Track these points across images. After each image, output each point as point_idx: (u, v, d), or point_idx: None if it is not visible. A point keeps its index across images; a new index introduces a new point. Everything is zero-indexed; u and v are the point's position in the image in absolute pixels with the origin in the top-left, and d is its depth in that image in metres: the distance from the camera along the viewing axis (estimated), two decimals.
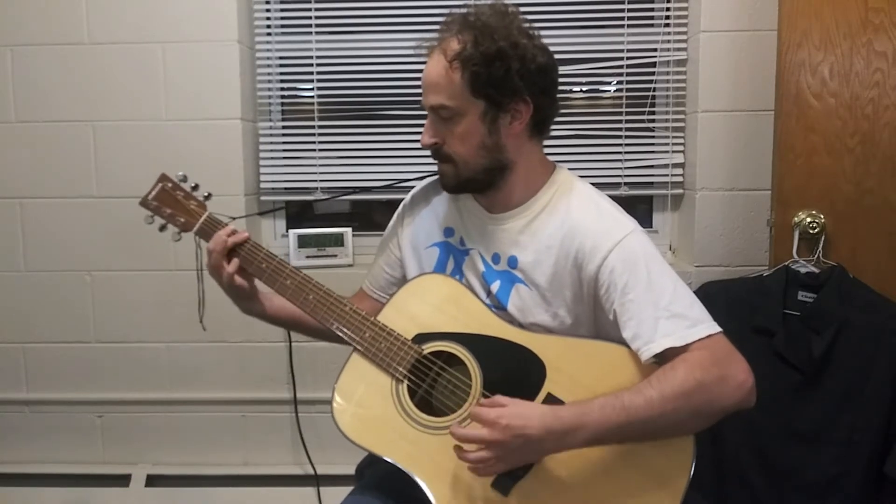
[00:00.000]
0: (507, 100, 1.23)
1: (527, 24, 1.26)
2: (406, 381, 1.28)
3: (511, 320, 1.29)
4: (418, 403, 1.27)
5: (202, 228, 1.41)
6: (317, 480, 2.21)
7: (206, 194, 1.44)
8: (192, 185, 1.44)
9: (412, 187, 1.53)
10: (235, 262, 1.37)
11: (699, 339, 1.13)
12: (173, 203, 1.43)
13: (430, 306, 1.32)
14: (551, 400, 1.20)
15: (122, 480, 2.24)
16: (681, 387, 1.08)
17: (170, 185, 1.43)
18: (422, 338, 1.30)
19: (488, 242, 1.33)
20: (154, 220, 1.44)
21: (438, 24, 1.28)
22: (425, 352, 1.29)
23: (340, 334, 1.33)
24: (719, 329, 1.16)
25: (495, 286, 1.31)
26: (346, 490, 1.35)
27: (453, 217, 1.40)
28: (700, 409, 1.10)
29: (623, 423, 1.07)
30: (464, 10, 1.25)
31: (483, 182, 1.29)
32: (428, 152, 1.32)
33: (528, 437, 1.06)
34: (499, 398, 1.12)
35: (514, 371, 1.22)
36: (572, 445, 1.09)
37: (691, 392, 1.08)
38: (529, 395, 1.20)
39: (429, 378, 1.29)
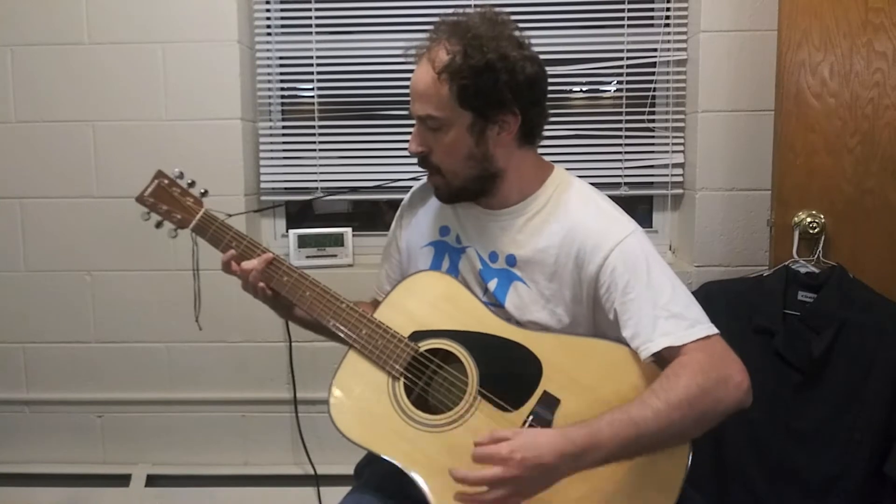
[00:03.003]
0: (495, 112, 1.23)
1: (517, 32, 1.24)
2: (402, 379, 1.28)
3: (508, 318, 1.29)
4: (415, 401, 1.28)
5: (199, 225, 1.41)
6: (317, 480, 2.21)
7: (202, 191, 1.44)
8: (189, 181, 1.44)
9: (411, 187, 1.53)
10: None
11: (697, 340, 1.14)
12: (170, 200, 1.43)
13: (427, 304, 1.32)
14: (547, 397, 1.20)
15: (122, 480, 2.24)
16: (685, 393, 1.07)
17: (166, 181, 1.44)
18: (418, 335, 1.30)
19: (486, 240, 1.33)
20: (150, 217, 1.45)
21: (428, 28, 1.27)
22: (421, 349, 1.29)
23: (336, 331, 1.33)
24: (716, 331, 1.16)
25: (492, 284, 1.31)
26: (346, 490, 1.35)
27: (449, 215, 1.40)
28: (704, 414, 1.09)
29: (633, 437, 1.05)
30: (453, 17, 1.25)
31: (474, 191, 1.30)
32: None
33: (544, 467, 1.02)
34: (499, 432, 1.05)
35: (511, 368, 1.22)
36: (587, 466, 1.05)
37: (695, 398, 1.07)
38: (525, 392, 1.21)
39: (425, 376, 1.29)
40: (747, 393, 1.11)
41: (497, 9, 1.26)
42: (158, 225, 1.45)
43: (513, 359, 1.24)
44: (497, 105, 1.22)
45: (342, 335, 1.33)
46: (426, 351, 1.29)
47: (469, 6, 1.28)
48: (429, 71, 1.22)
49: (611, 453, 1.05)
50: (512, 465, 1.01)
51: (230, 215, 1.45)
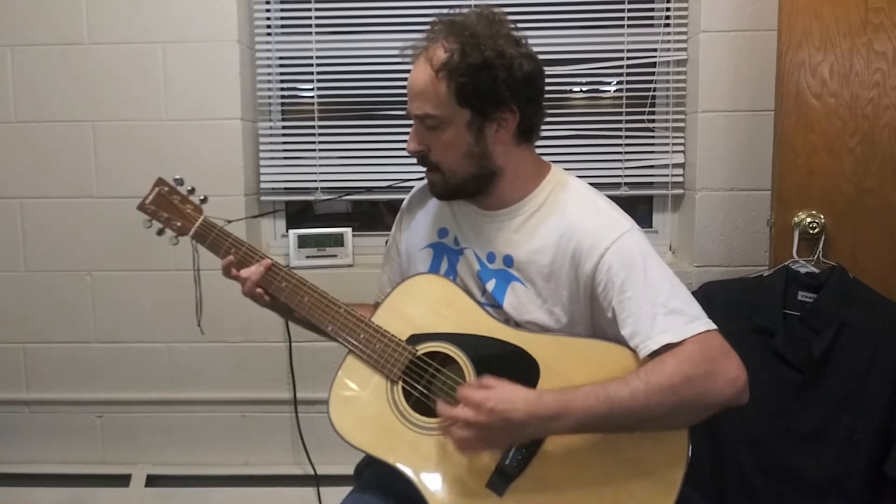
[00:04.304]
0: (493, 109, 1.23)
1: (514, 30, 1.25)
2: (401, 383, 1.29)
3: (506, 319, 1.29)
4: (414, 404, 1.28)
5: (198, 232, 1.43)
6: (317, 480, 2.22)
7: (201, 198, 1.45)
8: (189, 188, 1.45)
9: (412, 187, 1.53)
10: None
11: (695, 335, 1.14)
12: (170, 207, 1.44)
13: (424, 307, 1.32)
14: None
15: (122, 480, 2.24)
16: (668, 380, 1.08)
17: (166, 189, 1.45)
18: (416, 339, 1.30)
19: (483, 241, 1.33)
20: (152, 224, 1.46)
21: (427, 28, 1.27)
22: (419, 353, 1.29)
23: (335, 336, 1.34)
24: (714, 326, 1.16)
25: (490, 284, 1.31)
26: (345, 490, 1.35)
27: (447, 217, 1.40)
28: (687, 403, 1.10)
29: (606, 413, 1.08)
30: (450, 16, 1.25)
31: (471, 189, 1.30)
32: None
33: (511, 421, 1.08)
34: (487, 380, 1.13)
35: (508, 371, 1.22)
36: (555, 431, 1.11)
37: (678, 385, 1.08)
38: None
39: (424, 379, 1.29)
40: (742, 390, 1.11)
41: (496, 8, 1.27)
42: (160, 232, 1.46)
43: (510, 361, 1.24)
44: (495, 102, 1.22)
45: (340, 340, 1.33)
46: (424, 354, 1.29)
47: (468, 6, 1.28)
48: (426, 69, 1.22)
49: (580, 424, 1.10)
50: (482, 412, 1.08)
51: (229, 221, 1.45)
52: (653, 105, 2.21)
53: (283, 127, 2.30)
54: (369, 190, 2.25)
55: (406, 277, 1.38)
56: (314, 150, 2.27)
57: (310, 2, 2.21)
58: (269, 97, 2.30)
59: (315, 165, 2.27)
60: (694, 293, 1.23)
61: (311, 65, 2.24)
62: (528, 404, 1.09)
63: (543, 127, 1.34)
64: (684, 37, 2.18)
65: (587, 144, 2.21)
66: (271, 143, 2.28)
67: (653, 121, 2.22)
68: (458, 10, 1.26)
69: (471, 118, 1.23)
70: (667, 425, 1.14)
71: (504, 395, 1.10)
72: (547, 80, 1.30)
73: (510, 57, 1.21)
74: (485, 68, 1.19)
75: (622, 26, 2.18)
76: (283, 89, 2.31)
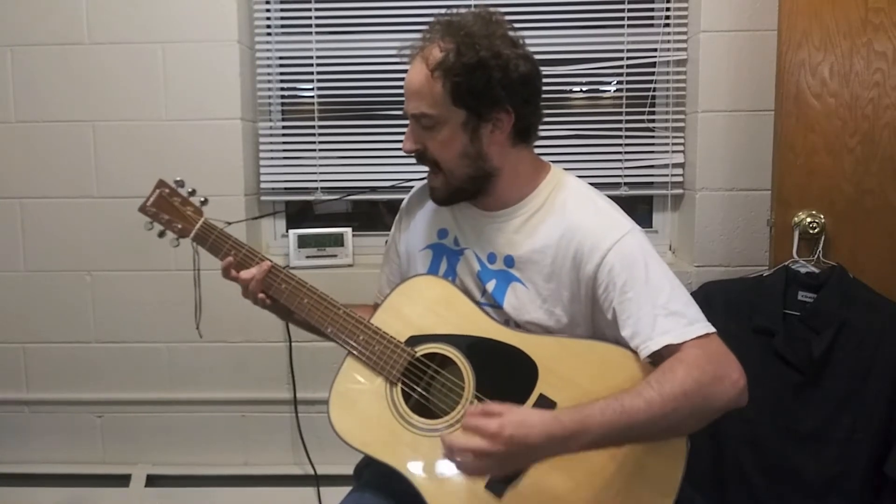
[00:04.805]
0: (488, 109, 1.23)
1: (512, 31, 1.25)
2: (400, 384, 1.29)
3: (506, 319, 1.29)
4: (414, 405, 1.28)
5: (198, 235, 1.43)
6: (317, 480, 2.22)
7: (202, 199, 1.45)
8: (189, 190, 1.45)
9: (412, 187, 1.53)
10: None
11: (696, 338, 1.13)
12: (170, 209, 1.44)
13: (422, 308, 1.32)
14: (543, 400, 1.20)
15: (122, 480, 2.24)
16: (680, 387, 1.07)
17: (167, 191, 1.45)
18: (415, 340, 1.30)
19: (484, 242, 1.33)
20: (153, 227, 1.46)
21: (424, 28, 1.28)
22: (418, 354, 1.29)
23: (335, 338, 1.34)
24: (713, 329, 1.16)
25: (491, 285, 1.31)
26: (345, 490, 1.35)
27: (447, 218, 1.40)
28: (698, 409, 1.09)
29: (624, 426, 1.06)
30: (447, 16, 1.25)
31: (471, 191, 1.30)
32: None
33: (529, 446, 1.03)
34: (491, 406, 1.07)
35: (507, 372, 1.22)
36: (573, 450, 1.06)
37: (690, 392, 1.07)
38: (522, 395, 1.20)
39: (423, 380, 1.29)
40: (743, 392, 1.11)
41: (494, 8, 1.27)
42: (161, 234, 1.46)
43: (508, 362, 1.24)
44: (490, 103, 1.22)
45: (340, 342, 1.33)
46: (423, 355, 1.29)
47: (469, 6, 1.28)
48: (422, 69, 1.22)
49: (598, 440, 1.06)
50: (499, 441, 1.01)
51: (229, 223, 1.45)
52: (653, 105, 2.21)
53: (283, 127, 2.30)
54: (369, 190, 2.25)
55: (405, 278, 1.38)
56: (314, 150, 2.27)
57: (310, 2, 2.21)
58: (269, 97, 2.30)
59: (315, 165, 2.27)
60: (694, 293, 1.23)
61: (311, 65, 2.24)
62: (545, 426, 1.03)
63: (543, 127, 1.34)
64: (684, 37, 2.18)
65: (587, 144, 2.21)
66: (271, 143, 2.28)
67: (653, 121, 2.22)
68: (456, 11, 1.26)
69: (466, 118, 1.23)
70: (677, 433, 1.13)
71: (518, 419, 1.04)
72: (546, 81, 1.30)
73: (506, 57, 1.21)
74: (480, 68, 1.19)
75: (622, 26, 2.18)
76: (283, 89, 2.31)
